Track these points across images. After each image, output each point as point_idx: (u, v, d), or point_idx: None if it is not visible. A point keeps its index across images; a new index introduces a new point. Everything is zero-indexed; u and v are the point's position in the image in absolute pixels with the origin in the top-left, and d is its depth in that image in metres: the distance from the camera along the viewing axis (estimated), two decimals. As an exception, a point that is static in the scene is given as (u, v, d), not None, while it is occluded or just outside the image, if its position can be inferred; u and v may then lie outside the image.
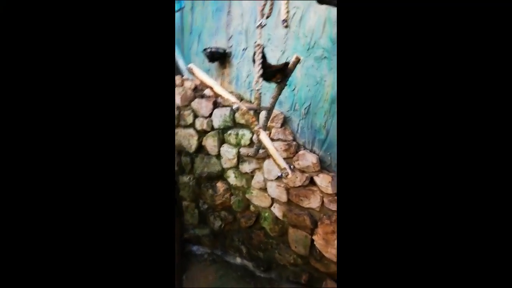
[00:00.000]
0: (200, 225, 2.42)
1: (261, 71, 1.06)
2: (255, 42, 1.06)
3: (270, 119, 1.95)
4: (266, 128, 1.54)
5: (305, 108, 1.85)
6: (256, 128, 1.00)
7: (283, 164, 0.93)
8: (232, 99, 1.03)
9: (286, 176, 0.94)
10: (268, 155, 1.95)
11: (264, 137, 0.98)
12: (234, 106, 1.01)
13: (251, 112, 1.05)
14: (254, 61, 1.07)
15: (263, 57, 1.10)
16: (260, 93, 1.10)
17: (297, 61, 1.17)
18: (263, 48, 1.08)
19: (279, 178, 0.98)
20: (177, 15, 2.89)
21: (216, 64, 2.49)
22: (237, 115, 2.21)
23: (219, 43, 2.47)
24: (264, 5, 0.99)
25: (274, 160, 0.96)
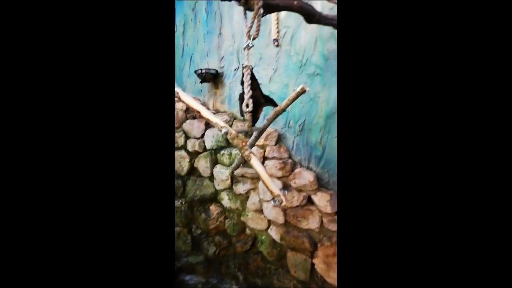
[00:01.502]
0: (194, 252, 2.27)
1: (250, 93, 1.04)
2: (243, 64, 1.04)
3: (264, 137, 1.92)
4: (252, 146, 1.49)
5: (300, 124, 1.82)
6: (246, 152, 0.95)
7: (276, 190, 0.88)
8: (221, 123, 0.99)
9: (280, 203, 0.88)
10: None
11: (255, 162, 0.93)
12: (223, 131, 0.97)
13: (241, 135, 1.01)
14: (242, 83, 1.05)
15: (252, 78, 1.08)
16: (251, 115, 1.07)
17: (302, 92, 1.12)
18: (251, 70, 1.06)
19: (275, 206, 0.93)
20: (169, 38, 2.94)
21: (208, 84, 2.49)
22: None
23: (211, 64, 2.48)
24: (251, 26, 0.98)
25: (267, 187, 0.90)
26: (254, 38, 1.00)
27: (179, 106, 2.45)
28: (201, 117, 1.02)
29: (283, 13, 1.84)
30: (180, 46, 2.81)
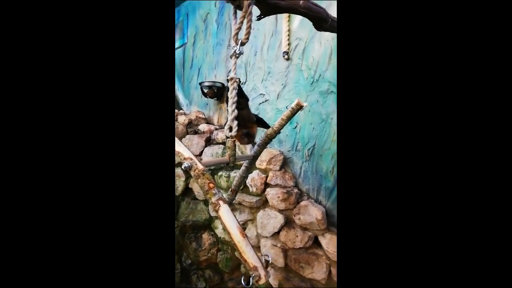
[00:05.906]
0: (182, 284, 2.00)
1: (235, 113, 0.79)
2: (228, 76, 0.82)
3: (268, 160, 1.67)
4: (235, 194, 1.14)
5: (309, 149, 1.56)
6: (213, 199, 0.67)
7: (253, 260, 0.59)
8: (185, 153, 0.74)
9: (257, 281, 0.59)
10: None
11: (225, 213, 0.64)
12: (184, 165, 0.72)
13: (208, 173, 0.73)
14: (227, 100, 0.81)
15: (239, 94, 0.85)
16: (234, 141, 0.82)
17: (299, 108, 0.95)
18: (239, 84, 0.83)
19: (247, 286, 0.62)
20: (179, 50, 2.86)
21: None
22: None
23: (219, 77, 2.33)
24: (239, 28, 0.76)
25: (241, 254, 0.62)
26: (243, 44, 0.78)
27: (181, 119, 2.29)
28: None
29: (295, 23, 1.64)
30: (190, 57, 2.71)
